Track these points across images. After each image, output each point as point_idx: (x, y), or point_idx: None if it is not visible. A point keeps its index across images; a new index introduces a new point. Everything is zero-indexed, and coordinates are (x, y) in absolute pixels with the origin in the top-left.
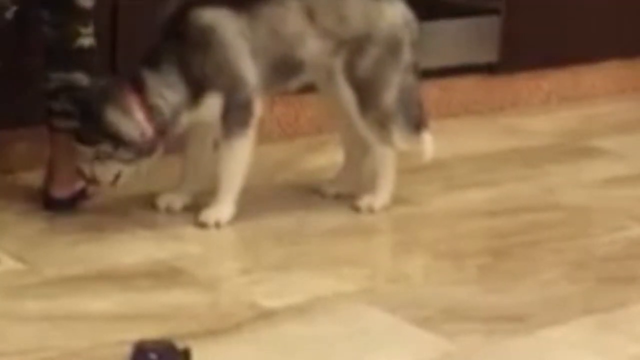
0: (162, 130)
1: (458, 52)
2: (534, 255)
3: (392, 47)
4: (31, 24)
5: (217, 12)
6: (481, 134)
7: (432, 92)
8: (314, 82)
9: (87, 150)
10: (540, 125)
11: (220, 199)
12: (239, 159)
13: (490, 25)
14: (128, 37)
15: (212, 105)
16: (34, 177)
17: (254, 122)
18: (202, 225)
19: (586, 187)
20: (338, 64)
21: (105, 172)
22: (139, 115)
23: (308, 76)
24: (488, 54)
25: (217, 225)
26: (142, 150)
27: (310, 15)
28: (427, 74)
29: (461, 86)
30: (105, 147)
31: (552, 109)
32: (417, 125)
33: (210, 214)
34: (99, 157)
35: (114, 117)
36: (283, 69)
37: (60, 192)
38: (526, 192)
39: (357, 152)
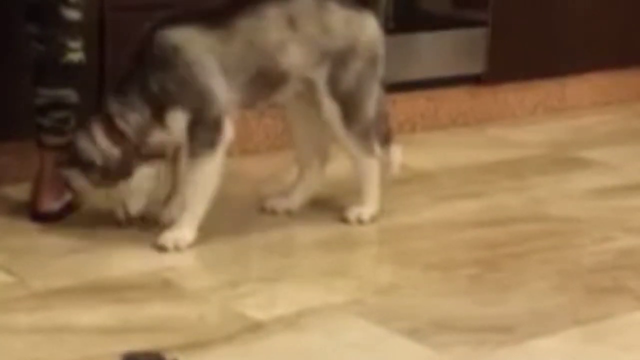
0: (130, 152)
1: (445, 63)
2: (522, 266)
3: (372, 60)
4: (19, 38)
5: (183, 31)
6: (469, 146)
7: (419, 103)
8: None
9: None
10: (528, 136)
11: (182, 222)
12: (205, 181)
13: (477, 37)
14: (116, 51)
15: (177, 122)
16: (21, 190)
17: (223, 142)
18: (161, 249)
19: (574, 198)
20: (321, 77)
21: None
22: (104, 142)
23: (293, 90)
24: (475, 66)
25: (177, 249)
26: (113, 173)
27: (292, 22)
28: (414, 86)
29: (449, 98)
30: (75, 171)
31: (539, 120)
32: (385, 137)
33: (170, 237)
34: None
35: (83, 145)
36: (265, 82)
37: (48, 205)
38: (514, 203)
39: (313, 169)
